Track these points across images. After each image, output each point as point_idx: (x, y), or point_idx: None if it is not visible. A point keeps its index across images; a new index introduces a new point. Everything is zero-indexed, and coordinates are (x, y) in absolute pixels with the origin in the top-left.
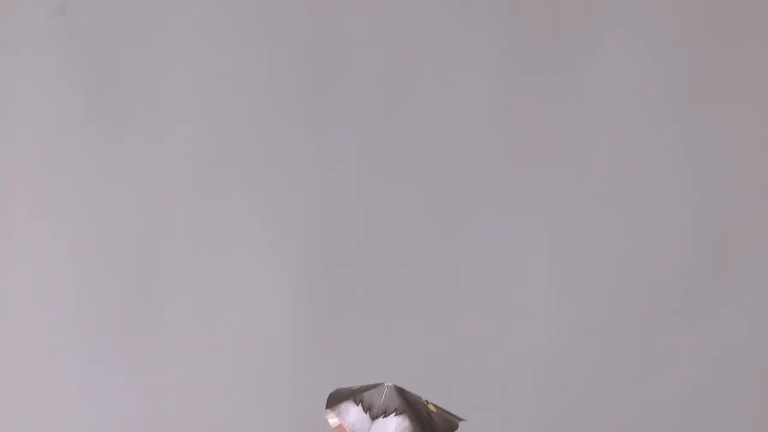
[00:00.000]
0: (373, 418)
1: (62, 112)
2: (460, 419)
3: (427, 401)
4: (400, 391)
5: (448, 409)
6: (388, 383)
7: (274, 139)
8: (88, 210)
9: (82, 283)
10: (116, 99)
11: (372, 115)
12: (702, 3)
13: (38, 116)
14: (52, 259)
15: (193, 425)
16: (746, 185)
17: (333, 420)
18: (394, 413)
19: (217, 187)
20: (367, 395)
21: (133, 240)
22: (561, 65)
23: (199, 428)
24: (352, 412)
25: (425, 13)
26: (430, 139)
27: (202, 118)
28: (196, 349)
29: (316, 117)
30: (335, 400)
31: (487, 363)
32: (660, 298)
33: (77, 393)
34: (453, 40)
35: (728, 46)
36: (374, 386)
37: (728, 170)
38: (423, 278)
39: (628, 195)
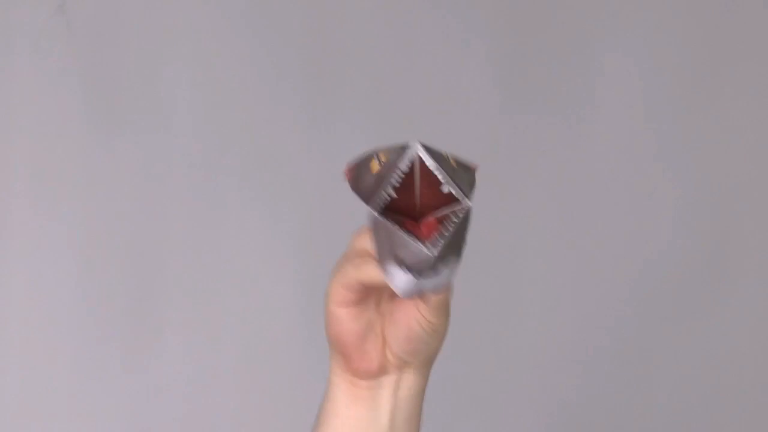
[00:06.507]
0: (420, 275)
1: (62, 112)
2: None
3: (448, 156)
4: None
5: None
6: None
7: (275, 137)
8: (88, 209)
9: (82, 281)
10: (116, 99)
11: (372, 112)
12: (703, 22)
13: (38, 116)
14: (52, 257)
15: (193, 425)
16: (747, 187)
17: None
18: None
19: (218, 185)
20: (403, 254)
21: (133, 238)
22: (561, 67)
23: (199, 428)
24: (398, 277)
25: (426, 16)
26: (431, 139)
27: (202, 116)
28: (196, 348)
29: (317, 114)
30: (383, 257)
31: (485, 362)
32: (660, 297)
33: (76, 393)
34: (453, 41)
35: (727, 67)
36: (407, 237)
37: (729, 172)
38: None
39: (628, 196)
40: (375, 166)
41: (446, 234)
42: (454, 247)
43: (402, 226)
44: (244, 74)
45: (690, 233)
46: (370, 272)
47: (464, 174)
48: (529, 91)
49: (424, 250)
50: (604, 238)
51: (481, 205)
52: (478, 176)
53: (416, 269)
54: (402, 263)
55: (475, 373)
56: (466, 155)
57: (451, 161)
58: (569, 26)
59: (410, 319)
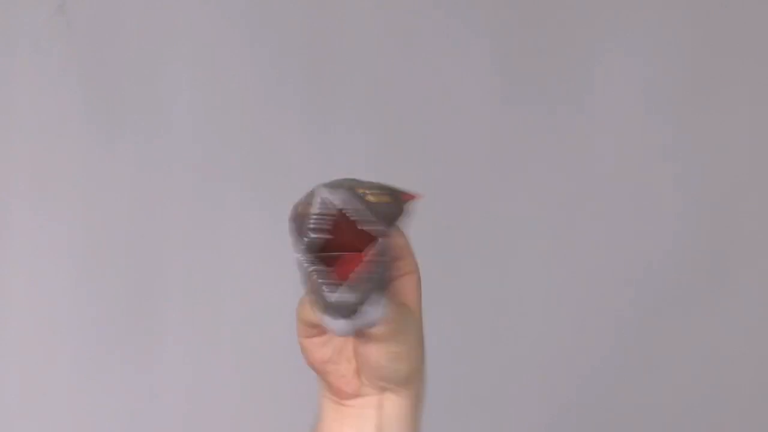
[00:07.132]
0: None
1: (62, 112)
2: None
3: (364, 193)
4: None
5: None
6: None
7: (275, 137)
8: (88, 209)
9: (82, 281)
10: (116, 99)
11: (372, 112)
12: (702, 28)
13: (38, 116)
14: (52, 258)
15: (193, 425)
16: (749, 187)
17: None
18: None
19: (218, 185)
20: (322, 300)
21: (133, 238)
22: (562, 67)
23: (199, 428)
24: (327, 319)
25: (426, 15)
26: (431, 139)
27: (202, 117)
28: (196, 348)
29: (317, 114)
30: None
31: (485, 362)
32: (661, 298)
33: (76, 393)
34: (454, 40)
35: (728, 66)
36: (322, 284)
37: (730, 171)
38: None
39: (629, 194)
40: (297, 209)
41: (363, 276)
42: (376, 284)
43: (329, 265)
44: (244, 75)
45: (691, 233)
46: (306, 313)
47: (385, 207)
48: (530, 91)
49: (340, 297)
50: (605, 238)
51: (481, 204)
52: (413, 204)
53: (339, 313)
54: (325, 308)
55: (476, 373)
56: (466, 154)
57: (369, 196)
58: (570, 25)
59: (371, 350)
